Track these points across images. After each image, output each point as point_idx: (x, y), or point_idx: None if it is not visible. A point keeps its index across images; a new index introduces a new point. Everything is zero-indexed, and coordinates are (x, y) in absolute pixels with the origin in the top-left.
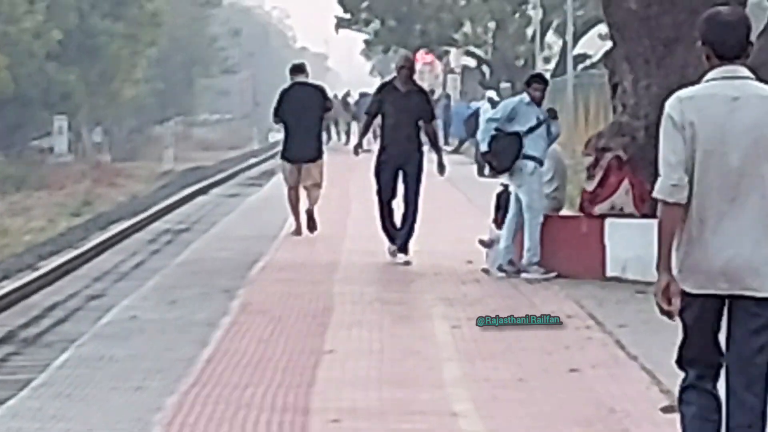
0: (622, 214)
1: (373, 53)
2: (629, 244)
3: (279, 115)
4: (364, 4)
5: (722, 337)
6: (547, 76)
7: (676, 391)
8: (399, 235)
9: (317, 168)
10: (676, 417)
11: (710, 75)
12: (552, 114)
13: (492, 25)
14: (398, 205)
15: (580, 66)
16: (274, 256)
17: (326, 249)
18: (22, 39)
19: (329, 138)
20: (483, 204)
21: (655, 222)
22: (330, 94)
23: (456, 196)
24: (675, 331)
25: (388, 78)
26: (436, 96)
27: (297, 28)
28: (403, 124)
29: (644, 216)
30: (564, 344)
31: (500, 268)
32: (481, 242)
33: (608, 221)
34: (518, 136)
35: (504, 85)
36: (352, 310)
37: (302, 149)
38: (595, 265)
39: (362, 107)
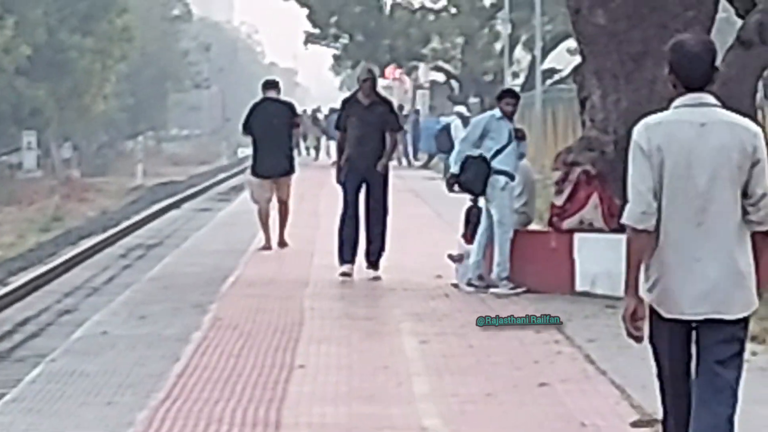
0: (591, 229)
1: (342, 68)
2: (598, 259)
3: (247, 128)
4: (333, 20)
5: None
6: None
7: (645, 405)
8: (369, 251)
9: (285, 184)
10: (646, 431)
11: (677, 102)
12: (519, 134)
13: (460, 40)
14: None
15: (549, 81)
16: (244, 271)
17: (296, 264)
18: None
19: (299, 153)
20: (452, 219)
21: (624, 237)
22: (299, 110)
23: (425, 211)
24: (644, 346)
25: (351, 92)
26: (405, 111)
27: (266, 43)
28: (368, 137)
29: (613, 231)
30: (533, 359)
31: (469, 283)
32: (450, 257)
33: (577, 236)
34: (485, 160)
35: (473, 99)
36: (321, 325)
37: (274, 164)
38: (564, 280)
39: (332, 123)
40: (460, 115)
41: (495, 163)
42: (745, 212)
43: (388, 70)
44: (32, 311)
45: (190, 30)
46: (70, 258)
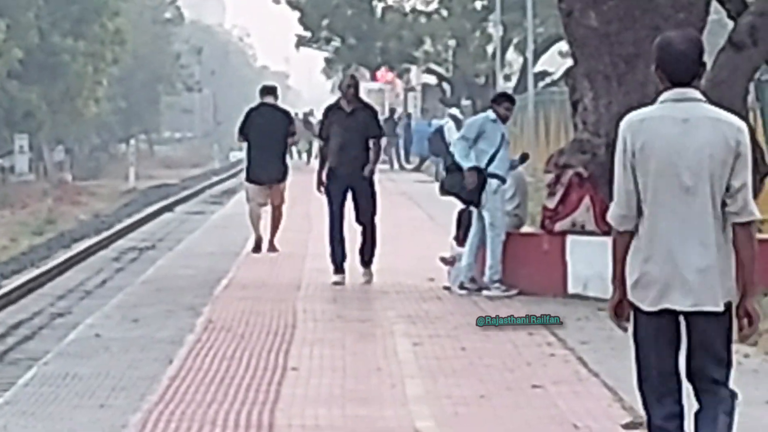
0: (583, 232)
1: (334, 71)
2: (590, 261)
3: (244, 133)
4: (325, 23)
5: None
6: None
7: (637, 407)
8: (363, 250)
9: (279, 189)
10: None
11: (662, 97)
12: (523, 158)
13: (452, 42)
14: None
15: (541, 83)
16: (237, 273)
17: (288, 267)
18: None
19: (290, 157)
20: (444, 222)
21: None
22: (292, 114)
23: (417, 214)
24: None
25: (333, 100)
26: (397, 115)
27: (258, 46)
28: (351, 144)
29: (605, 233)
30: (526, 361)
31: (462, 286)
32: (443, 260)
33: (569, 238)
34: (480, 171)
35: (465, 102)
36: (314, 328)
37: (268, 170)
38: (557, 283)
39: None
40: (453, 118)
41: (488, 168)
42: (723, 204)
43: (380, 73)
44: (25, 314)
45: (182, 33)
46: (63, 261)
